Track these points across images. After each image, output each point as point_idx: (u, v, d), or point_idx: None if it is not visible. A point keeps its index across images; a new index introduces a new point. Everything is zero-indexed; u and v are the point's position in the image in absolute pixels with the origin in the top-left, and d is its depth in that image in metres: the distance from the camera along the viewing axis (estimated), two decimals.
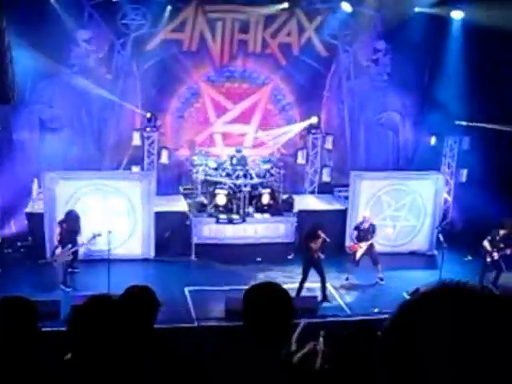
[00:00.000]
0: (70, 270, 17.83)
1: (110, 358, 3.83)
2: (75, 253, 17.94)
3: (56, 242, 17.66)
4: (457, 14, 21.51)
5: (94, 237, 17.74)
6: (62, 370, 4.12)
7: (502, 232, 18.34)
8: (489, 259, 18.31)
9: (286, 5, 21.89)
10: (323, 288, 17.47)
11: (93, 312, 3.96)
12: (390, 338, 1.77)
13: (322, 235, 17.39)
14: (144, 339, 5.08)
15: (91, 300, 4.09)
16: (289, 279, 17.15)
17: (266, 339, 4.05)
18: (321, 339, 10.70)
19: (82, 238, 17.88)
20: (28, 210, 19.79)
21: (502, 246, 18.22)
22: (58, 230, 17.75)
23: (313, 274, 17.52)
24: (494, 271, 18.41)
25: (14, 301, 5.04)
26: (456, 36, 21.72)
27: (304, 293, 17.28)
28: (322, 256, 17.37)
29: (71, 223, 17.71)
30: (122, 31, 21.18)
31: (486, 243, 18.38)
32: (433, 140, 22.89)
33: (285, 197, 21.19)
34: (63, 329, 4.19)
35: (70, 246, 17.45)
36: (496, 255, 18.23)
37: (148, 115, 21.38)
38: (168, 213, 20.39)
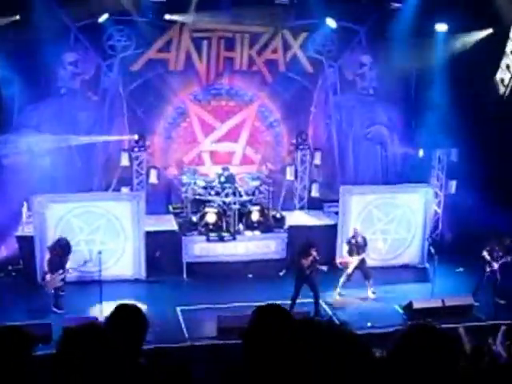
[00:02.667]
0: (54, 309, 17.61)
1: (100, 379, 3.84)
2: (63, 283, 17.87)
3: (46, 268, 17.62)
4: (441, 27, 21.67)
5: (85, 263, 17.81)
6: None
7: (501, 245, 18.51)
8: (488, 269, 18.41)
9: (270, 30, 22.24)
10: (316, 303, 17.49)
11: (83, 335, 3.97)
12: None
13: (314, 253, 17.42)
14: (133, 357, 5.06)
15: (82, 323, 4.10)
16: (281, 296, 17.08)
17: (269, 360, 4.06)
18: None
19: (70, 264, 17.86)
20: (18, 233, 19.78)
21: (501, 254, 18.37)
22: (47, 256, 17.73)
23: (305, 289, 17.57)
24: (492, 283, 18.54)
25: (7, 331, 4.96)
26: (440, 48, 21.86)
27: (296, 308, 17.30)
28: (324, 268, 17.46)
29: (61, 250, 17.71)
30: (108, 53, 21.23)
31: (485, 253, 18.53)
32: (421, 152, 22.95)
33: (273, 213, 21.25)
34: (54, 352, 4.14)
35: (60, 271, 17.43)
36: (495, 265, 18.36)
37: (136, 137, 21.44)
38: (158, 232, 20.41)
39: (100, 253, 17.47)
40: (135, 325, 5.26)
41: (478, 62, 21.05)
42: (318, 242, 19.08)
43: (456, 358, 3.94)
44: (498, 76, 21.06)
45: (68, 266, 17.74)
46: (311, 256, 17.41)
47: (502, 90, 21.28)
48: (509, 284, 18.45)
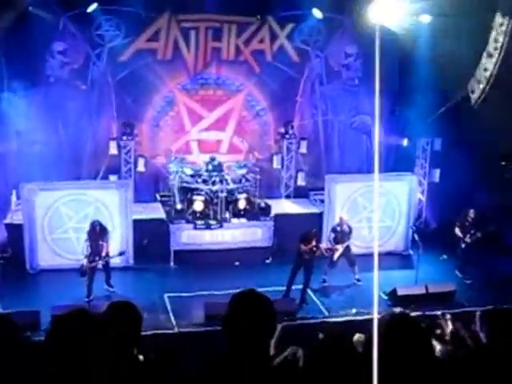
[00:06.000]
0: (105, 287, 17.84)
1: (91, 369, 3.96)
2: (107, 268, 17.93)
3: (84, 254, 17.40)
4: (425, 18, 21.83)
5: (121, 254, 18.05)
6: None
7: (469, 218, 19.39)
8: (463, 245, 19.28)
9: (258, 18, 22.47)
10: (304, 290, 17.73)
11: (72, 323, 4.09)
12: None
13: (313, 243, 17.66)
14: (129, 353, 5.17)
15: (70, 311, 4.21)
16: (267, 283, 17.29)
17: (249, 346, 4.18)
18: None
19: (107, 250, 17.79)
20: (7, 221, 19.89)
21: (472, 231, 19.26)
22: (85, 241, 17.55)
23: (285, 276, 17.86)
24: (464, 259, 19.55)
25: None
26: (425, 39, 22.01)
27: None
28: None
29: (94, 233, 17.51)
30: (96, 42, 21.33)
31: (457, 230, 19.48)
32: (405, 142, 23.17)
33: (263, 204, 21.46)
34: (43, 339, 4.22)
35: (97, 258, 17.37)
36: (468, 239, 19.21)
37: (127, 127, 21.65)
38: (146, 220, 20.56)
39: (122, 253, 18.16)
40: (129, 321, 5.37)
41: (463, 52, 21.20)
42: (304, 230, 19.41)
43: (429, 345, 4.08)
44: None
45: (105, 252, 17.67)
46: (310, 244, 17.65)
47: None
48: (482, 260, 19.36)
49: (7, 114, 20.66)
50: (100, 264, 17.62)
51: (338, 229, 19.06)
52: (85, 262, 17.24)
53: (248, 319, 4.20)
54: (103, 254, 17.55)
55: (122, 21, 21.18)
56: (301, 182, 23.38)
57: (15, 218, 19.86)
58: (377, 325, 3.90)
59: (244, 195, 21.14)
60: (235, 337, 4.23)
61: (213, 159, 21.66)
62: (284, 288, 17.69)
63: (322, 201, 21.60)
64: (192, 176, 21.48)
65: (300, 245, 17.78)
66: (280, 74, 22.97)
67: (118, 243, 19.76)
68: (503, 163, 22.17)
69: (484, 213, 19.85)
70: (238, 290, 4.43)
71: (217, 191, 20.84)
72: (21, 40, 19.52)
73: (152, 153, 22.82)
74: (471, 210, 19.60)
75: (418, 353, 3.90)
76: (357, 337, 9.94)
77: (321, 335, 11.02)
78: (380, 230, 21.58)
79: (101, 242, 17.53)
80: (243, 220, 20.97)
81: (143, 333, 5.56)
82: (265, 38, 22.69)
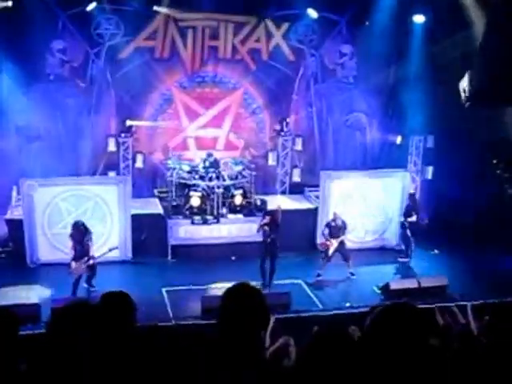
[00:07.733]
0: (86, 285, 17.68)
1: (89, 359, 4.11)
2: (93, 268, 17.64)
3: (71, 255, 17.41)
4: (419, 18, 22.14)
5: (111, 250, 18.04)
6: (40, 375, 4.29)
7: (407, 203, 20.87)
8: (407, 224, 20.65)
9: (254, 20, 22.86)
10: (270, 277, 18.41)
11: (71, 315, 4.24)
12: None
13: (265, 217, 18.46)
14: (124, 343, 5.21)
15: (70, 304, 4.43)
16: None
17: (242, 339, 4.32)
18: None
19: (94, 250, 17.74)
20: (8, 216, 20.12)
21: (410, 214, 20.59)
22: (70, 243, 17.50)
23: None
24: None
25: None
26: (418, 39, 22.32)
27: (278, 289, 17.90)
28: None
29: (77, 234, 17.49)
30: (96, 41, 21.59)
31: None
32: (399, 139, 23.40)
33: (258, 202, 21.77)
34: (43, 331, 4.36)
35: (85, 258, 17.34)
36: (406, 219, 20.50)
37: (128, 123, 21.99)
38: (144, 215, 20.79)
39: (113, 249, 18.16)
40: (123, 310, 5.44)
41: (457, 51, 21.45)
42: (299, 225, 19.70)
43: (426, 335, 4.23)
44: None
45: (92, 252, 17.59)
46: (263, 223, 18.28)
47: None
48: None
49: (8, 111, 20.88)
50: (89, 263, 17.45)
51: (333, 224, 19.27)
52: (73, 264, 17.27)
53: (240, 312, 4.33)
54: (90, 253, 17.51)
55: (120, 19, 21.43)
56: (296, 178, 23.62)
57: (16, 213, 20.09)
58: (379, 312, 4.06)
59: (240, 191, 21.42)
60: (228, 329, 4.36)
61: (209, 156, 21.92)
62: (278, 282, 18.12)
63: (317, 197, 21.83)
64: (189, 172, 21.74)
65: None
66: (276, 73, 23.27)
67: (117, 237, 20.06)
68: (495, 161, 22.47)
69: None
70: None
71: (213, 187, 21.11)
72: (21, 38, 19.76)
73: (150, 149, 23.08)
74: (408, 195, 20.96)
75: (416, 341, 3.98)
76: (351, 329, 10.25)
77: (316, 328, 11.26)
78: (373, 226, 21.89)
79: (86, 242, 17.55)
80: (239, 215, 21.27)
81: (140, 325, 5.75)
82: (261, 37, 22.98)
